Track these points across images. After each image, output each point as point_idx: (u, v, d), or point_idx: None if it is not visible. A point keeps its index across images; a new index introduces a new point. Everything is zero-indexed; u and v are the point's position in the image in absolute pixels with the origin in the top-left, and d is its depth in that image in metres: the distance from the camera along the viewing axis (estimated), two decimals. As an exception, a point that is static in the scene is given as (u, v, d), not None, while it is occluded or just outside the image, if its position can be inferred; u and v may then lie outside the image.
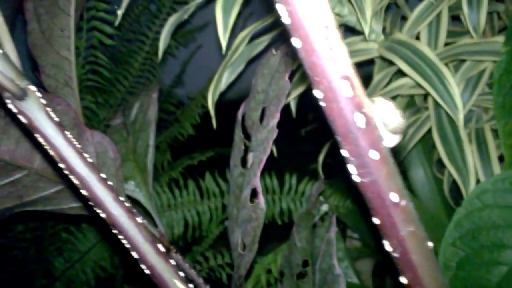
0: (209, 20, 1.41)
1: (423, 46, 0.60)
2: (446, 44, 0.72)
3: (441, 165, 0.89)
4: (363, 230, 1.13)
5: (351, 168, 0.18)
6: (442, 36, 0.71)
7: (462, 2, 0.65)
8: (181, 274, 0.29)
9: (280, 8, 0.16)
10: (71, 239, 1.13)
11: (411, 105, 0.85)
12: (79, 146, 0.26)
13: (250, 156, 0.49)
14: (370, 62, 0.86)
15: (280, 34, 0.72)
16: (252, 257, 0.46)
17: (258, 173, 0.46)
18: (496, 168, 0.66)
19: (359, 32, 0.72)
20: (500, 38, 0.63)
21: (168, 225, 1.09)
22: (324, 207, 0.75)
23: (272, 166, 1.14)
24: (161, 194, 1.11)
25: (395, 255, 0.19)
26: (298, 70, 0.78)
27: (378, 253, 1.11)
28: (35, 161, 0.48)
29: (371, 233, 1.07)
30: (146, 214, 0.62)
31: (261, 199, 0.45)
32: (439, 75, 0.57)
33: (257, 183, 0.45)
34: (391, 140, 0.19)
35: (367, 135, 0.17)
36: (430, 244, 0.20)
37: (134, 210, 0.59)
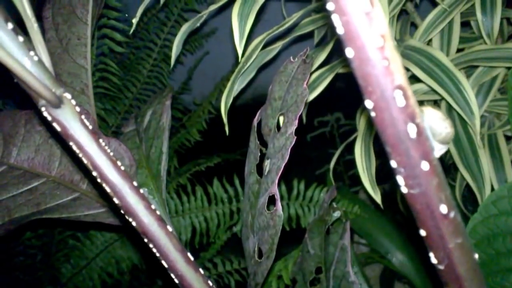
0: (215, 27, 1.41)
1: (437, 52, 0.60)
2: (458, 50, 0.73)
3: (449, 171, 0.89)
4: (371, 236, 1.13)
5: (400, 179, 0.18)
6: (454, 42, 0.71)
7: (475, 9, 0.65)
8: (210, 283, 0.29)
9: (335, 18, 0.16)
10: (78, 246, 1.13)
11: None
12: (113, 154, 0.26)
13: (267, 163, 0.49)
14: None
15: (292, 41, 0.72)
16: (269, 265, 0.45)
17: (276, 180, 0.45)
18: (510, 173, 0.66)
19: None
20: (513, 45, 0.63)
21: (175, 231, 1.08)
22: (337, 214, 0.75)
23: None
24: (169, 200, 1.10)
25: (441, 267, 0.19)
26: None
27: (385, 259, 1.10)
28: (53, 169, 0.48)
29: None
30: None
31: (279, 206, 0.45)
32: (454, 81, 0.56)
33: (275, 190, 0.45)
34: (439, 150, 0.19)
35: (419, 145, 0.17)
36: (476, 255, 0.20)
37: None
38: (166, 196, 1.12)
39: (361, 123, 0.67)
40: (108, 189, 0.26)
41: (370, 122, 0.67)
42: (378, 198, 0.64)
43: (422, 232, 0.19)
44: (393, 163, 0.18)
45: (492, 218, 0.59)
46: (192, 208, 1.10)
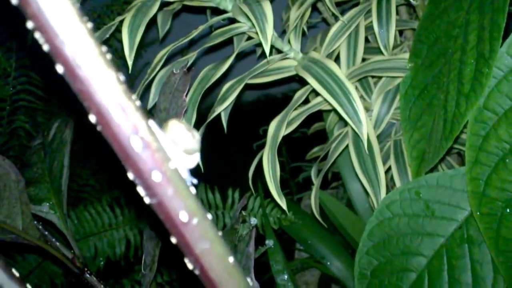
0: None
1: (332, 63, 0.62)
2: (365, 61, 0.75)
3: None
4: (306, 242, 1.15)
5: (140, 190, 0.19)
6: (360, 53, 0.74)
7: (372, 21, 0.68)
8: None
9: (39, 37, 0.16)
10: (10, 263, 1.10)
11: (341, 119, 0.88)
12: None
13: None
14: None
15: (203, 52, 0.73)
16: (152, 276, 0.46)
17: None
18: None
19: (281, 51, 0.74)
20: (408, 55, 0.66)
21: (109, 245, 1.07)
22: (253, 221, 0.76)
23: (215, 181, 1.15)
24: (102, 213, 1.09)
25: (196, 272, 0.20)
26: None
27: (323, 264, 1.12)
28: None
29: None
30: (59, 235, 0.61)
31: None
32: (345, 92, 0.59)
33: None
34: (188, 160, 0.20)
35: (148, 157, 0.18)
36: (231, 259, 0.21)
37: (47, 232, 0.58)
38: (100, 209, 1.11)
39: (269, 133, 0.68)
40: None
41: (276, 132, 0.68)
42: (283, 204, 0.66)
43: (173, 240, 0.20)
44: (130, 176, 0.19)
45: (386, 221, 0.61)
46: (126, 220, 1.09)
